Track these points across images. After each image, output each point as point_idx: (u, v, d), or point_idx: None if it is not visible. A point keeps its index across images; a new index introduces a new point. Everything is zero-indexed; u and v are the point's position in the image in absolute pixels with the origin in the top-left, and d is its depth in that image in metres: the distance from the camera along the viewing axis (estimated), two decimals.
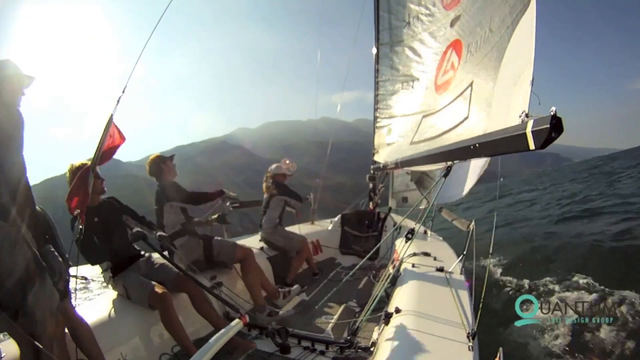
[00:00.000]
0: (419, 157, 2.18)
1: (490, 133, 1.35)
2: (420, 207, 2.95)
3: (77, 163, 2.37)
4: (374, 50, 4.69)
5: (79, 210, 2.04)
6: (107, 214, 2.45)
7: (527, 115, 1.20)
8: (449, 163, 1.73)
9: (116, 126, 2.43)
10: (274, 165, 4.33)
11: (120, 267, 2.44)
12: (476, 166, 3.86)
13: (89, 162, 2.22)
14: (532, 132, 1.11)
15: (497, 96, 1.64)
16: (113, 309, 2.32)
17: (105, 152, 2.37)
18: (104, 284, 2.57)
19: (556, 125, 1.08)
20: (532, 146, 1.12)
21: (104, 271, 2.47)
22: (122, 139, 2.43)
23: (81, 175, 2.10)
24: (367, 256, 2.96)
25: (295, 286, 3.49)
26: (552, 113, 1.08)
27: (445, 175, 1.73)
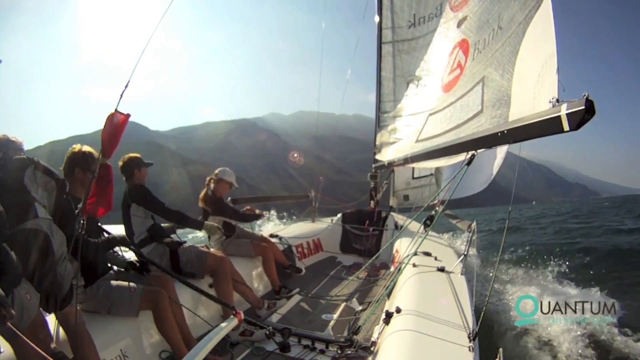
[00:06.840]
0: (437, 149, 2.22)
1: (520, 119, 1.41)
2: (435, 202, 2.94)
3: (76, 148, 2.14)
4: (376, 18, 4.62)
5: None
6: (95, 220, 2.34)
7: (557, 101, 1.27)
8: (471, 152, 1.78)
9: (117, 111, 2.34)
10: (219, 170, 3.63)
11: (93, 277, 2.21)
12: (492, 161, 3.82)
13: (92, 150, 2.11)
14: (567, 114, 1.18)
15: (517, 87, 1.71)
16: None
17: (112, 137, 2.27)
18: None
19: (589, 108, 1.15)
20: (566, 127, 1.19)
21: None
22: (126, 115, 2.35)
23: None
24: (374, 257, 2.97)
25: (282, 299, 3.23)
26: (584, 97, 1.16)
27: (469, 164, 1.78)
